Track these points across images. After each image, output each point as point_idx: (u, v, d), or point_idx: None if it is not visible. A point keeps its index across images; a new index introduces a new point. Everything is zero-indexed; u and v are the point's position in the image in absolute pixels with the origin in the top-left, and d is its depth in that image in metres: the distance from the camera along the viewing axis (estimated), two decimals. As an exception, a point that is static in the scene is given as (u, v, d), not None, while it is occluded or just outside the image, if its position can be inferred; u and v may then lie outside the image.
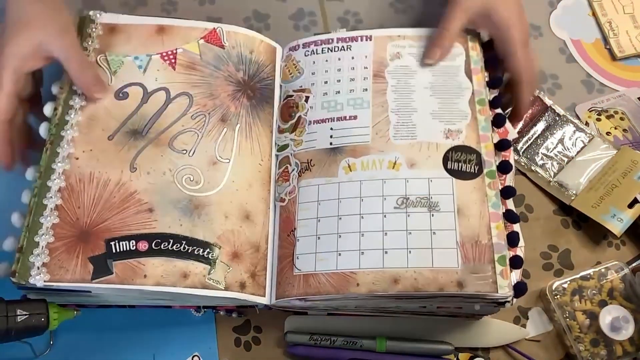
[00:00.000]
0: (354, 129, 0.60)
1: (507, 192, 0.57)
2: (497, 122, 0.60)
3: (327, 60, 0.65)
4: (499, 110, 0.61)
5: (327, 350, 0.59)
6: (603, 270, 0.63)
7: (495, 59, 0.64)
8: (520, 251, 0.55)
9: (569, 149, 0.69)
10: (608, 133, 0.70)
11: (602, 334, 0.60)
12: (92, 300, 0.57)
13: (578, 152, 0.68)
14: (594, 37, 0.77)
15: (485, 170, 0.57)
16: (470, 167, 0.57)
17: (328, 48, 0.65)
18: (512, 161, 0.59)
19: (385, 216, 0.56)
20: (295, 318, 0.61)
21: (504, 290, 0.52)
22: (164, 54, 0.63)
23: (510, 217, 0.56)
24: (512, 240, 0.55)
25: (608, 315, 0.60)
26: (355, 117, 0.61)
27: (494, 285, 0.52)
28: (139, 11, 0.75)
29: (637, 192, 0.64)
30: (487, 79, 0.63)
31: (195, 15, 0.75)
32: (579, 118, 0.71)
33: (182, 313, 0.60)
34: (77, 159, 0.56)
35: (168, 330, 0.60)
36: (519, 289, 0.53)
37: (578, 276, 0.63)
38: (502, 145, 0.59)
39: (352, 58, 0.64)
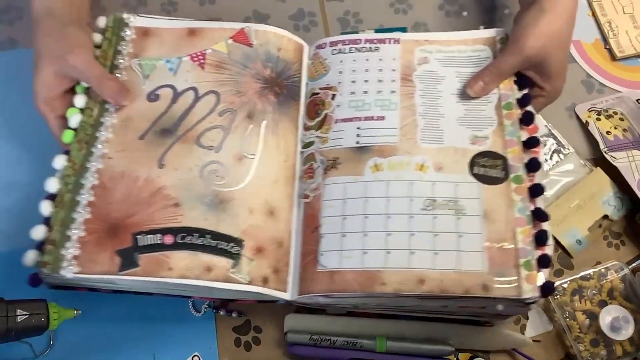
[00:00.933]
0: (382, 129, 0.61)
1: (535, 190, 0.57)
2: (527, 119, 0.60)
3: (354, 60, 0.65)
4: (528, 108, 0.61)
5: (327, 350, 0.59)
6: (603, 270, 0.63)
7: None
8: (549, 249, 0.55)
9: (545, 162, 0.68)
10: (608, 132, 0.70)
11: (602, 334, 0.60)
12: (109, 287, 0.58)
13: (553, 166, 0.68)
14: (593, 37, 0.77)
15: (511, 176, 0.57)
16: (497, 172, 0.58)
17: (356, 48, 0.66)
18: (541, 159, 0.58)
19: (411, 217, 0.56)
20: (295, 317, 0.61)
21: (528, 294, 0.52)
22: (194, 55, 0.64)
23: (539, 215, 0.56)
24: (541, 238, 0.55)
25: (608, 316, 0.60)
26: (382, 118, 0.61)
27: (518, 290, 0.52)
28: (139, 11, 0.75)
29: (599, 216, 0.65)
30: (515, 79, 0.62)
31: (195, 15, 0.75)
32: (557, 136, 0.70)
33: (182, 313, 0.60)
34: (110, 158, 0.58)
35: (168, 330, 0.60)
36: (547, 288, 0.53)
37: (578, 276, 0.63)
38: (531, 143, 0.59)
39: (380, 60, 0.65)
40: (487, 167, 0.58)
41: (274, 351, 0.60)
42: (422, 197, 0.57)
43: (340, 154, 0.60)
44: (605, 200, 0.66)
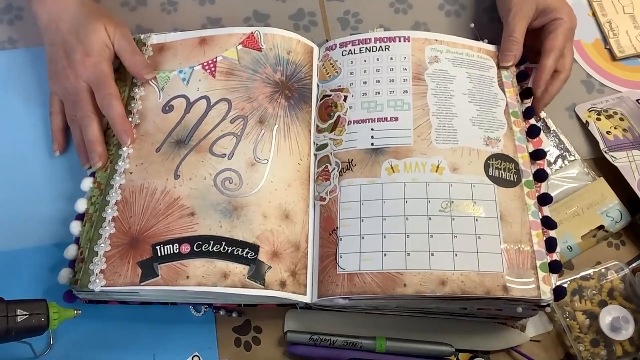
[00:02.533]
0: (396, 130, 0.61)
1: (543, 199, 0.59)
2: (532, 132, 0.62)
3: (365, 60, 0.65)
4: (533, 121, 0.63)
5: (327, 350, 0.59)
6: (603, 270, 0.63)
7: (525, 73, 0.66)
8: (557, 256, 0.56)
9: (549, 166, 0.68)
10: (608, 132, 0.70)
11: (602, 334, 0.60)
12: (136, 299, 0.59)
13: (556, 171, 0.68)
14: (593, 37, 0.77)
15: (523, 180, 0.59)
16: (510, 175, 0.59)
17: (366, 48, 0.66)
18: (547, 170, 0.60)
19: (430, 218, 0.56)
20: (295, 316, 0.60)
21: (547, 295, 0.54)
22: (205, 63, 0.65)
23: (547, 223, 0.58)
24: (551, 245, 0.56)
25: (608, 316, 0.60)
26: (396, 119, 0.62)
27: (537, 291, 0.54)
28: (139, 11, 0.75)
29: (595, 226, 0.65)
30: (519, 91, 0.65)
31: (195, 15, 0.75)
32: (564, 142, 0.70)
33: (182, 313, 0.60)
34: (131, 173, 0.60)
35: (168, 330, 0.60)
36: (559, 292, 0.54)
37: (578, 276, 0.63)
38: (537, 155, 0.61)
39: (391, 59, 0.65)
40: (501, 169, 0.59)
41: (274, 351, 0.60)
42: (439, 198, 0.57)
43: (354, 155, 0.60)
44: (604, 211, 0.65)
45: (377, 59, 0.65)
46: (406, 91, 0.63)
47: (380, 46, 0.66)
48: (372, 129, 0.61)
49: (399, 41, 0.66)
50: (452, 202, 0.57)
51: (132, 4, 0.75)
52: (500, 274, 0.54)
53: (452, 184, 0.58)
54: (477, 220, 0.56)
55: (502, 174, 0.59)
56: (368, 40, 0.66)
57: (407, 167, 0.59)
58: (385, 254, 0.55)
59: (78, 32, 0.63)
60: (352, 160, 0.60)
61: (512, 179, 0.59)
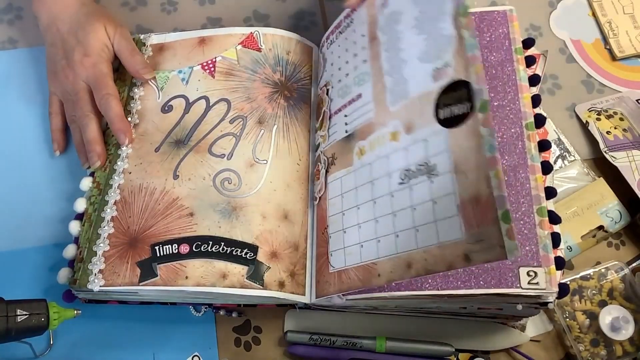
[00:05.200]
0: (360, 108, 0.58)
1: (548, 193, 0.55)
2: (538, 122, 0.58)
3: (339, 46, 0.63)
4: (538, 111, 0.59)
5: (327, 350, 0.59)
6: (603, 270, 0.63)
7: (532, 58, 0.61)
8: (561, 252, 0.54)
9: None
10: (608, 132, 0.70)
11: (602, 334, 0.60)
12: (135, 299, 0.59)
13: (556, 171, 0.68)
14: (593, 37, 0.77)
15: (476, 104, 0.45)
16: (462, 106, 0.46)
17: (339, 32, 0.64)
18: (552, 162, 0.57)
19: (392, 196, 0.52)
20: (295, 316, 0.60)
21: (513, 254, 0.42)
22: (204, 63, 0.65)
23: (552, 218, 0.54)
24: (555, 240, 0.54)
25: (608, 316, 0.60)
26: (360, 96, 0.58)
27: (501, 251, 0.42)
28: (139, 11, 0.75)
29: (594, 226, 0.64)
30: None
31: (195, 15, 0.75)
32: (564, 143, 0.70)
33: (182, 313, 0.60)
34: (130, 173, 0.60)
35: (168, 330, 0.60)
36: (563, 289, 0.52)
37: (578, 276, 0.63)
38: (543, 146, 0.57)
39: (354, 31, 0.61)
40: (452, 104, 0.47)
41: (274, 351, 0.60)
42: (398, 169, 0.51)
43: (335, 148, 0.59)
44: (603, 211, 0.65)
45: (346, 39, 0.62)
46: (365, 60, 0.58)
47: (347, 22, 0.63)
48: (345, 116, 0.59)
49: (360, 8, 0.60)
50: (409, 170, 0.50)
51: (132, 4, 0.76)
52: (460, 242, 0.45)
53: (408, 148, 0.51)
54: (432, 182, 0.48)
55: (453, 110, 0.47)
56: (340, 23, 0.64)
57: (372, 145, 0.55)
58: (361, 245, 0.53)
59: (77, 33, 0.63)
60: (334, 154, 0.59)
61: (464, 110, 0.46)
